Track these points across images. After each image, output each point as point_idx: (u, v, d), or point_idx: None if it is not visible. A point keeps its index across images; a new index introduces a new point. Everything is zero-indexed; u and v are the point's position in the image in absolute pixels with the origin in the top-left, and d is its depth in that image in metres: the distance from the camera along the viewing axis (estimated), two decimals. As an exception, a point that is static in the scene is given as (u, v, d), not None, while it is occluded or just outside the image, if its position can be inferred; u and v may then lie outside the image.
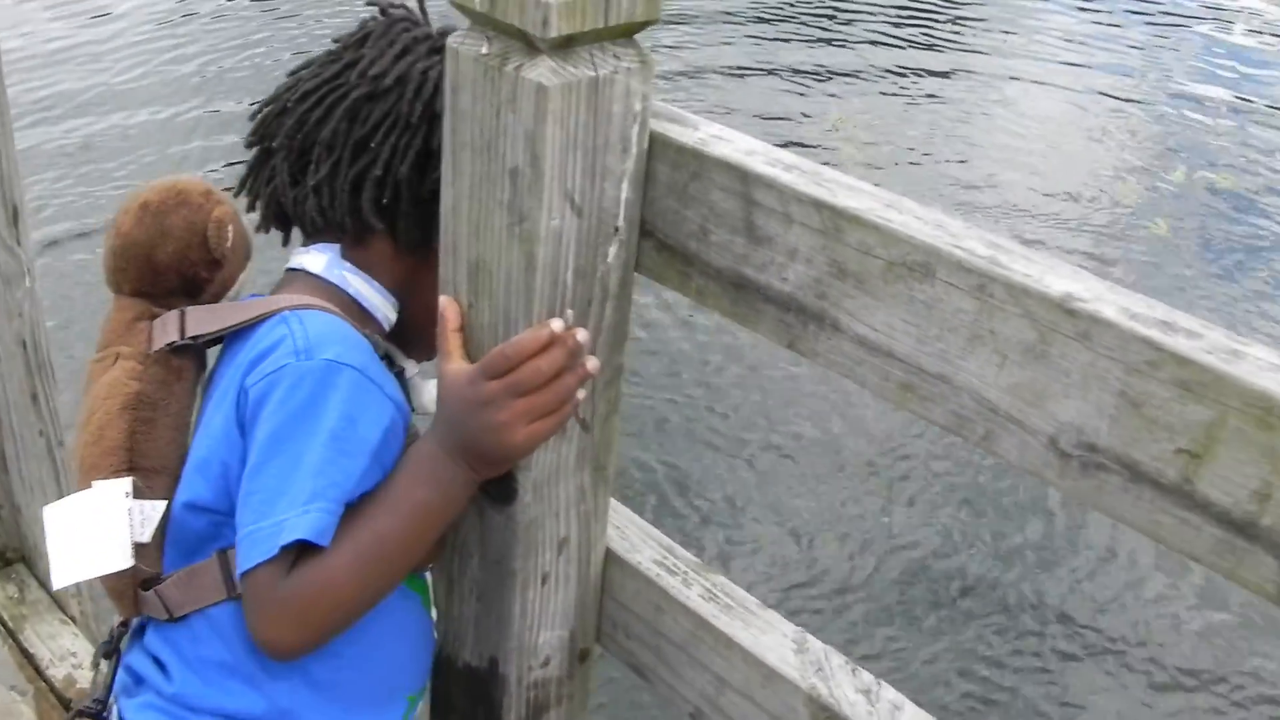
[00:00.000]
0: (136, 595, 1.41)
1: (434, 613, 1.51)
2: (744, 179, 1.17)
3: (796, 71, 7.85)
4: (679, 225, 1.24)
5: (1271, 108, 7.92)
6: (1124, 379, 0.96)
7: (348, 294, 1.44)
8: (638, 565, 1.42)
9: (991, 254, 1.04)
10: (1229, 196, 6.58)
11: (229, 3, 8.49)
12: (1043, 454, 1.03)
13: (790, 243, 1.15)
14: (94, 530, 1.36)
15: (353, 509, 1.28)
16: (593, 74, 1.15)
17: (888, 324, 1.10)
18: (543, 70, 1.13)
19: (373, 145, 1.42)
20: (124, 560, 1.37)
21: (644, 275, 1.30)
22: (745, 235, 1.19)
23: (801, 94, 7.48)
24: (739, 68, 7.84)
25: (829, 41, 8.43)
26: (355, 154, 1.42)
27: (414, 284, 1.48)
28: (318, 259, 1.45)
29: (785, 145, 5.57)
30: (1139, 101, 7.86)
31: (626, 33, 1.18)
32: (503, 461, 1.27)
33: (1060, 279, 1.01)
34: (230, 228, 1.46)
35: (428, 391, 1.48)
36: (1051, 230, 5.96)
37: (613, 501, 1.46)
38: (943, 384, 1.08)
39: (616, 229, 1.24)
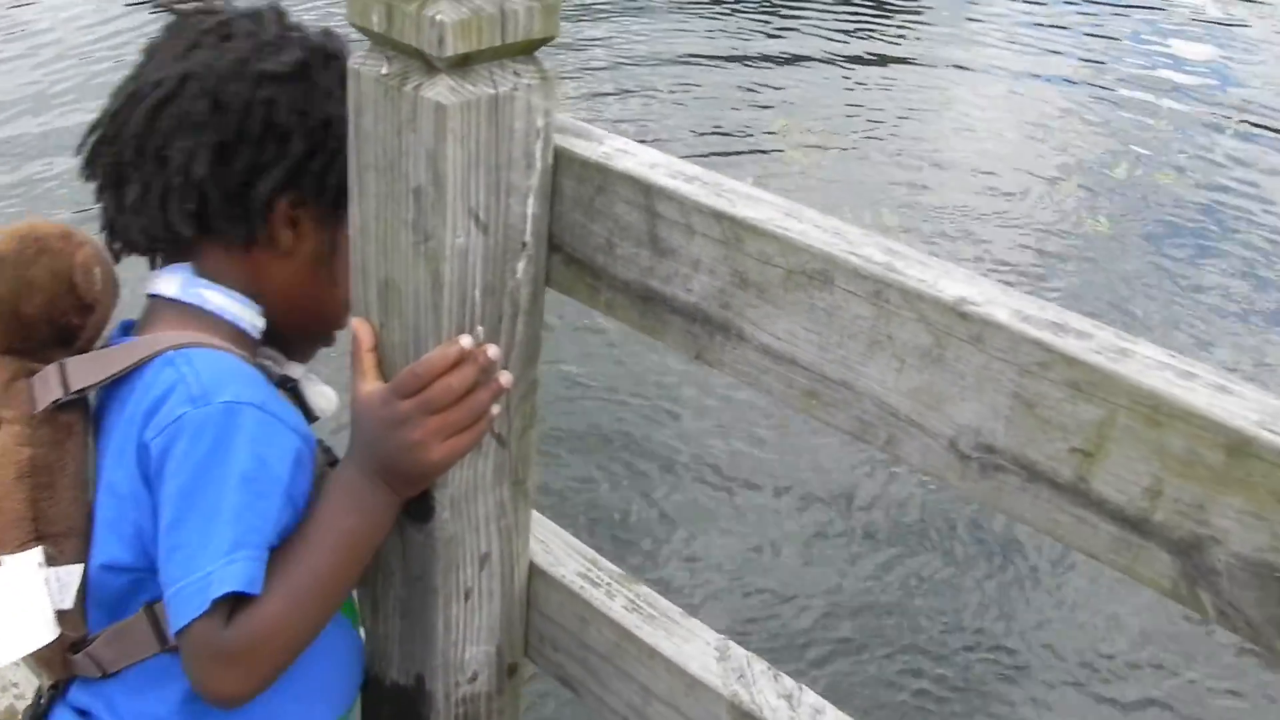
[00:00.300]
0: (65, 659, 1.37)
1: (361, 631, 1.51)
2: (647, 192, 1.18)
3: (741, 69, 7.84)
4: (586, 239, 1.25)
5: (1210, 101, 7.99)
6: (1017, 380, 0.98)
7: (209, 312, 1.39)
8: (561, 578, 1.42)
9: (888, 260, 1.05)
10: (1171, 191, 6.62)
11: (154, 15, 8.40)
12: (944, 457, 1.04)
13: (693, 254, 1.16)
14: (13, 607, 1.31)
15: (281, 548, 1.26)
16: (492, 91, 1.15)
17: (790, 332, 1.11)
18: (441, 89, 1.13)
19: (167, 153, 1.36)
20: (49, 632, 1.32)
21: (554, 289, 1.31)
22: (650, 247, 1.19)
23: (746, 93, 7.48)
24: (682, 65, 7.82)
25: (770, 39, 8.44)
26: (158, 166, 1.37)
27: (263, 280, 1.43)
28: (170, 282, 1.40)
29: (729, 149, 5.59)
30: (1081, 96, 7.90)
31: (526, 49, 1.18)
32: (421, 479, 1.27)
33: (954, 283, 1.02)
34: (97, 270, 1.39)
35: (317, 393, 1.46)
36: (996, 229, 5.97)
37: (537, 515, 1.47)
38: (845, 390, 1.09)
39: (524, 244, 1.25)
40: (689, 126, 6.82)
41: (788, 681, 1.29)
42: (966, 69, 8.20)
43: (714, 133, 6.74)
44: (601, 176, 1.21)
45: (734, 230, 1.12)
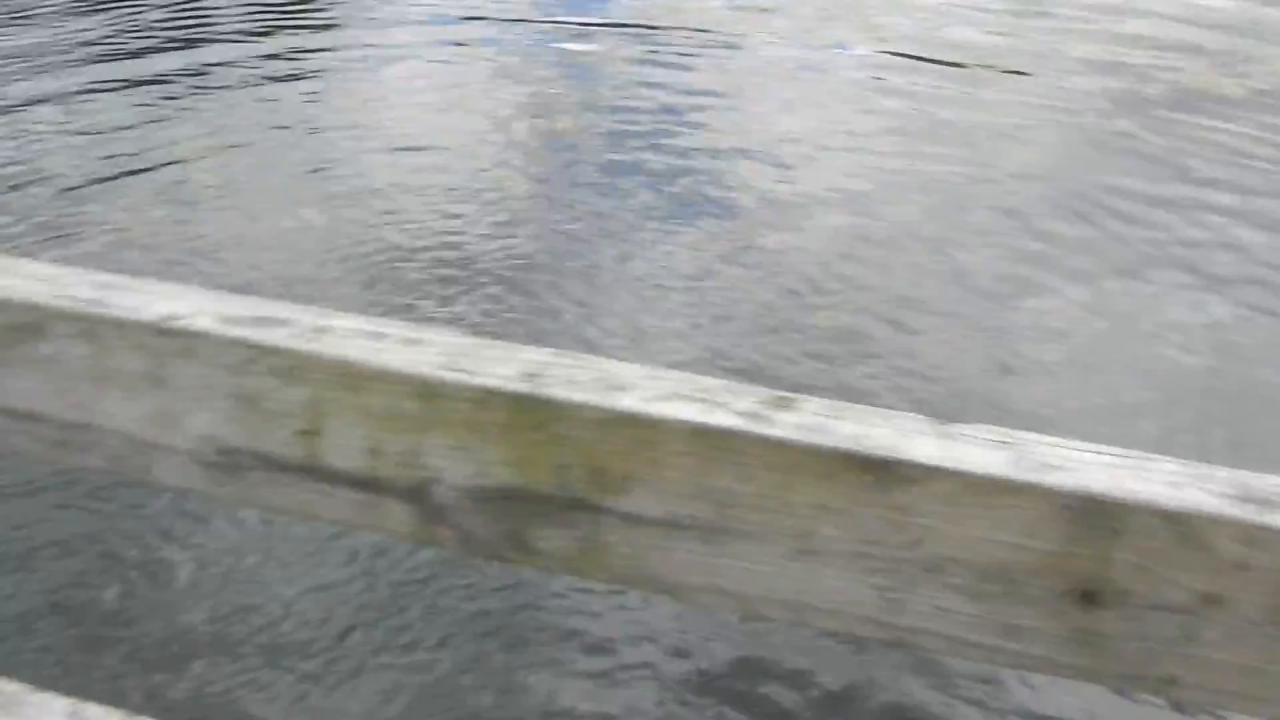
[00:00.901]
0: None
1: None
2: None
3: (142, 79, 7.46)
4: None
5: (592, 25, 8.35)
6: (233, 381, 1.01)
7: None
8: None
9: (97, 295, 1.06)
10: (572, 140, 6.88)
11: None
12: (192, 471, 1.06)
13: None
14: None
15: None
16: None
17: (25, 389, 1.09)
18: None
19: None
20: None
21: None
22: None
23: (150, 107, 7.09)
24: (81, 91, 7.37)
25: (177, 50, 8.07)
26: None
27: None
28: None
29: (133, 170, 5.30)
30: (493, 41, 8.07)
31: None
32: None
33: (161, 302, 1.04)
34: None
35: None
36: (408, 214, 5.84)
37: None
38: (90, 432, 1.09)
39: None
40: (85, 147, 6.42)
41: (146, 723, 1.29)
42: (383, 45, 8.16)
43: (117, 153, 6.36)
44: None
45: (-55, 301, 1.09)
